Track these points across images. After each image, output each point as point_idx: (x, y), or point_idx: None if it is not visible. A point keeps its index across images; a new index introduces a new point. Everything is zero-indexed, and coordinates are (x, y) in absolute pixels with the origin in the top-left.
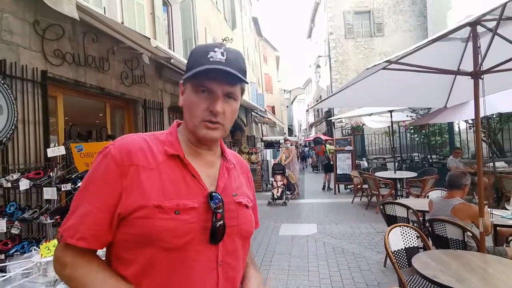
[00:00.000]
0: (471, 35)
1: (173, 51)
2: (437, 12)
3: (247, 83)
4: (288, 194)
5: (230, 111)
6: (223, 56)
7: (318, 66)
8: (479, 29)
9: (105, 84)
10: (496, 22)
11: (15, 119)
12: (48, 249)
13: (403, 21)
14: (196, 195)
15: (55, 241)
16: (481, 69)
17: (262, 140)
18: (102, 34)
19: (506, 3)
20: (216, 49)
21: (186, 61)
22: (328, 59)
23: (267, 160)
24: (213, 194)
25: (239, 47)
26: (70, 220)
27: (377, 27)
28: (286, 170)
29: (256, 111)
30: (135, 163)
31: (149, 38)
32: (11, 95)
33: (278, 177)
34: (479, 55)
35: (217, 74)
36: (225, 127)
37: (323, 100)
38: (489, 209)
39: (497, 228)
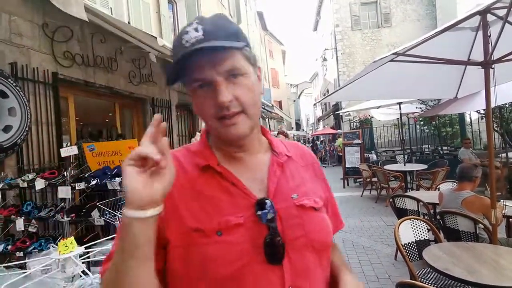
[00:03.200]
0: (481, 24)
1: None
2: (446, 0)
3: (239, 48)
4: None
5: (244, 92)
6: (198, 32)
7: (325, 59)
8: (489, 17)
9: (114, 84)
10: (506, 9)
11: (29, 120)
12: (66, 246)
13: (411, 11)
14: (241, 207)
15: (72, 238)
16: (492, 59)
17: None
18: (109, 35)
19: None
20: (188, 29)
21: None
22: (335, 51)
23: None
24: (262, 200)
25: None
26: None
27: (384, 18)
28: None
29: (262, 106)
30: (172, 194)
31: (156, 37)
32: (24, 97)
33: None
34: (490, 44)
35: (199, 58)
36: (248, 112)
37: (330, 94)
38: (502, 201)
39: (510, 219)
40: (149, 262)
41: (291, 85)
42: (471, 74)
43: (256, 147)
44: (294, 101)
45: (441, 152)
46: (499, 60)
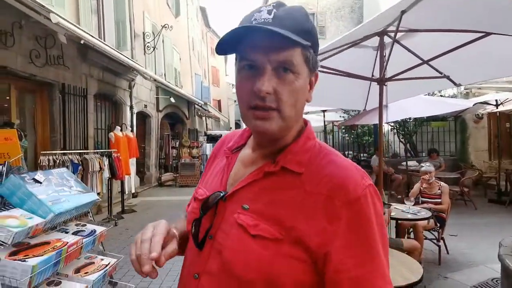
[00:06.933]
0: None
1: (103, 33)
2: None
3: (303, 44)
4: None
5: (287, 90)
6: (270, 15)
7: None
8: (387, 39)
9: (8, 62)
10: (395, 32)
11: None
12: None
13: (343, 27)
14: (214, 189)
15: None
16: (385, 76)
17: (205, 134)
18: (4, 4)
19: (402, 13)
20: (263, 8)
21: (105, 46)
22: None
23: (206, 155)
24: (216, 193)
25: (183, 36)
26: None
27: (319, 30)
28: None
29: (199, 104)
30: (216, 150)
31: (50, 12)
32: None
33: None
34: (384, 63)
35: (257, 38)
36: (283, 113)
37: None
38: (392, 205)
39: (398, 221)
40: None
41: (232, 85)
42: (375, 89)
43: (274, 148)
44: (235, 101)
45: (360, 158)
46: (391, 78)
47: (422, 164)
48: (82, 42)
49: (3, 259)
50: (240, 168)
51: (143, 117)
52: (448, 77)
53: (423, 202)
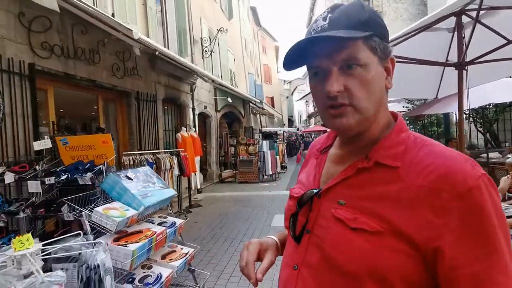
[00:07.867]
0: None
1: (167, 42)
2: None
3: (361, 37)
4: None
5: (357, 84)
6: (325, 21)
7: None
8: (465, 19)
9: (96, 77)
10: (476, 11)
11: (1, 112)
12: (21, 243)
13: (403, 10)
14: (307, 187)
15: (28, 235)
16: (465, 60)
17: (260, 131)
18: (91, 26)
19: None
20: (319, 17)
21: (173, 54)
22: None
23: (263, 152)
24: (310, 191)
25: (236, 37)
26: None
27: None
28: None
29: (253, 103)
30: (308, 154)
31: (131, 30)
32: None
33: None
34: (464, 46)
35: (315, 48)
36: (357, 106)
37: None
38: None
39: None
40: None
41: (284, 81)
42: (450, 75)
43: (362, 142)
44: (287, 97)
45: None
46: (472, 62)
47: (508, 156)
48: (157, 53)
49: (110, 244)
50: (330, 167)
51: (203, 118)
52: None
53: (509, 198)
